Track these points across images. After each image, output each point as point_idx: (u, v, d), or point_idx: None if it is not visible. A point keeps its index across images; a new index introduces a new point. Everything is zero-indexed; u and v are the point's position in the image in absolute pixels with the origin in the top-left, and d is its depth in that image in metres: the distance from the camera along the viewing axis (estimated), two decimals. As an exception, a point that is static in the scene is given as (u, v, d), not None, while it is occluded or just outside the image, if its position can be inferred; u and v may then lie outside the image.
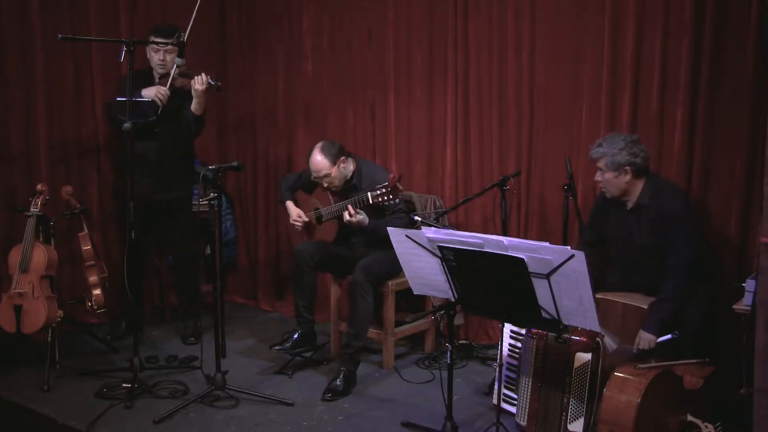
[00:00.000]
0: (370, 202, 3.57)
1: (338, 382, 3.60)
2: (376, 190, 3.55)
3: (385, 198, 3.53)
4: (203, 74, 3.90)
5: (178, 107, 4.04)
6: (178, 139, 4.14)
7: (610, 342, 2.97)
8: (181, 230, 4.33)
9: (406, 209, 3.97)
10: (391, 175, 3.54)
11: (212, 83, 3.90)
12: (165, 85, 3.96)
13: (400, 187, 3.51)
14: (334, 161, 3.83)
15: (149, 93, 3.93)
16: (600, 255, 3.48)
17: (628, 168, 3.19)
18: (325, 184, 3.92)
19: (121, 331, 4.34)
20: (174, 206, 4.25)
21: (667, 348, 3.02)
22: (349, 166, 3.93)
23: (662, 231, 3.16)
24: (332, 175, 3.84)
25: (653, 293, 3.19)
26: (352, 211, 3.65)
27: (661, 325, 3.02)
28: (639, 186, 3.24)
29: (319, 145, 3.88)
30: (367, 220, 3.75)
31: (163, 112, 3.94)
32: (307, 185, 4.18)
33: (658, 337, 3.01)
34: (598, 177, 3.28)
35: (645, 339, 3.04)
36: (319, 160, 3.83)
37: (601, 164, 3.24)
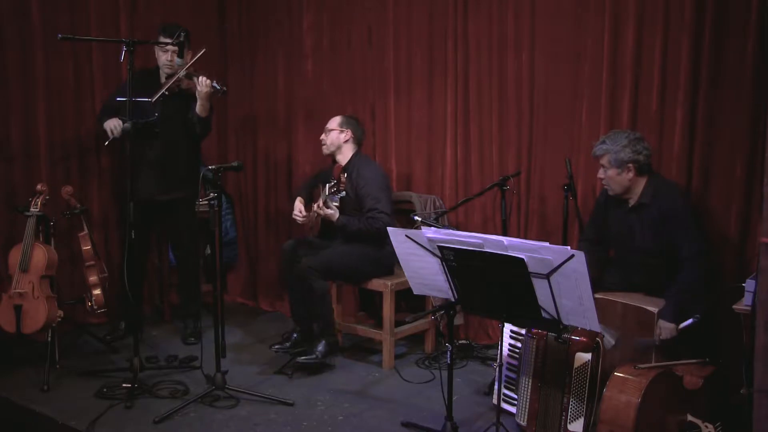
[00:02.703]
0: (327, 194, 3.73)
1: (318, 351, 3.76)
2: (330, 182, 3.72)
3: (335, 189, 3.69)
4: (207, 78, 3.90)
5: (184, 108, 4.04)
6: (182, 140, 4.14)
7: (608, 338, 2.96)
8: (185, 230, 4.33)
9: (386, 211, 3.90)
10: (336, 165, 3.79)
11: (216, 87, 3.89)
12: (171, 85, 3.96)
13: (342, 179, 3.69)
14: (343, 124, 4.07)
15: (108, 125, 3.99)
16: (600, 253, 3.48)
17: (631, 165, 3.19)
18: (321, 138, 4.09)
19: (120, 331, 4.33)
20: (177, 206, 4.24)
21: (692, 331, 3.01)
22: (347, 150, 4.06)
23: (664, 229, 3.16)
24: (331, 132, 4.05)
25: (653, 293, 3.19)
26: (321, 203, 3.78)
27: (680, 313, 3.01)
28: (641, 184, 3.24)
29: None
30: (336, 216, 3.83)
31: (168, 112, 3.94)
32: (317, 182, 4.23)
33: (678, 325, 3.01)
34: (600, 174, 3.28)
35: (666, 328, 3.02)
36: (335, 117, 4.13)
37: (604, 161, 3.24)
